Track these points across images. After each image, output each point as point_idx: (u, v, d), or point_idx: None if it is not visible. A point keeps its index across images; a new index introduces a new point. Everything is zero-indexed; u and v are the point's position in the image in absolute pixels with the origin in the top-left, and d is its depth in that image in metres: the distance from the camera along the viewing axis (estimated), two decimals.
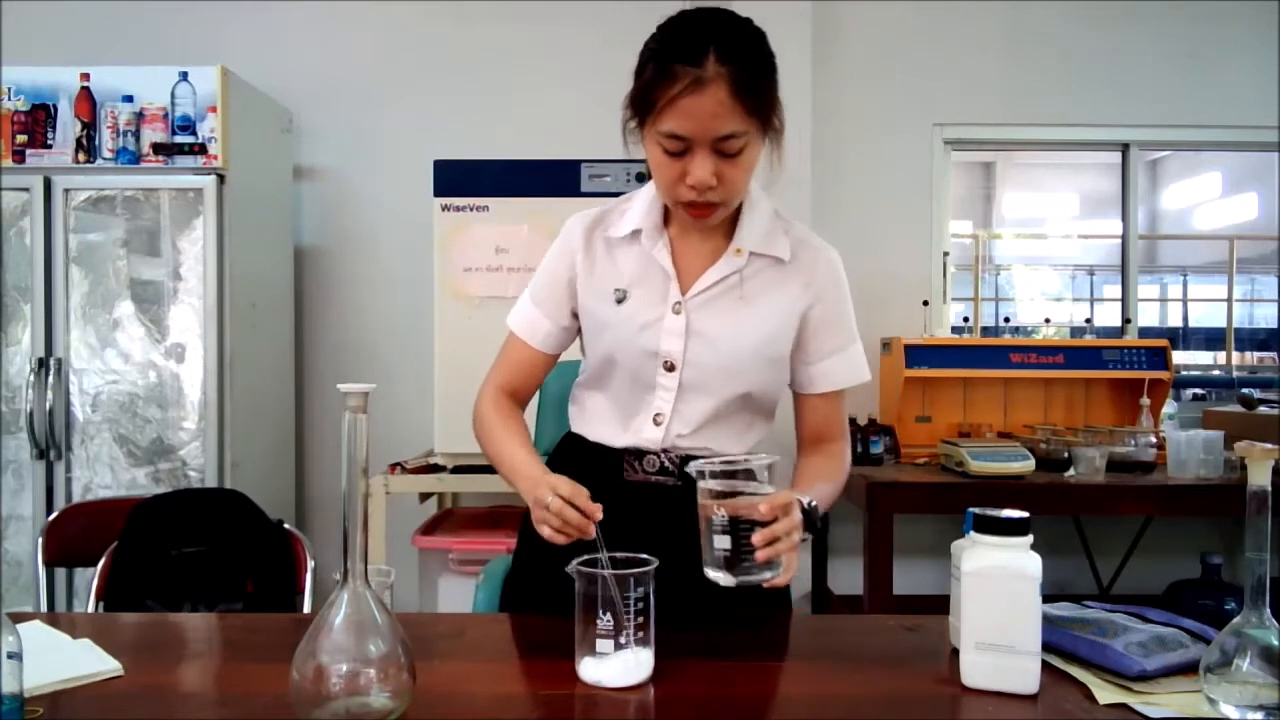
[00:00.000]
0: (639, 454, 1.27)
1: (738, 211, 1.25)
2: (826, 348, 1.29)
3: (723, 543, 1.02)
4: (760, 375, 1.25)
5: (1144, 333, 3.62)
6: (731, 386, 1.24)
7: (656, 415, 1.25)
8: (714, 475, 1.04)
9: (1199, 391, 4.31)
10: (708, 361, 1.23)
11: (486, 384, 1.33)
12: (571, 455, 1.33)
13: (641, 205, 1.27)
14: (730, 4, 1.21)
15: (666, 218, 1.27)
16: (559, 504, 1.07)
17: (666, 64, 1.09)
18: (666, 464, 1.26)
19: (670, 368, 1.23)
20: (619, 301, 1.25)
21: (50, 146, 2.80)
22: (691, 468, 1.05)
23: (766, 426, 1.34)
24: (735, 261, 1.24)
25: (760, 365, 1.24)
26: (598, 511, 1.07)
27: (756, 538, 1.00)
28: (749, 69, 1.10)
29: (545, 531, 1.09)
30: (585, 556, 1.01)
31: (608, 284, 1.27)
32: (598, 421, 1.31)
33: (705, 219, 1.19)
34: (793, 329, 1.26)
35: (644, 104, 1.13)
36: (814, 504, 1.13)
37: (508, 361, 1.34)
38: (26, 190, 2.78)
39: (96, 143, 2.80)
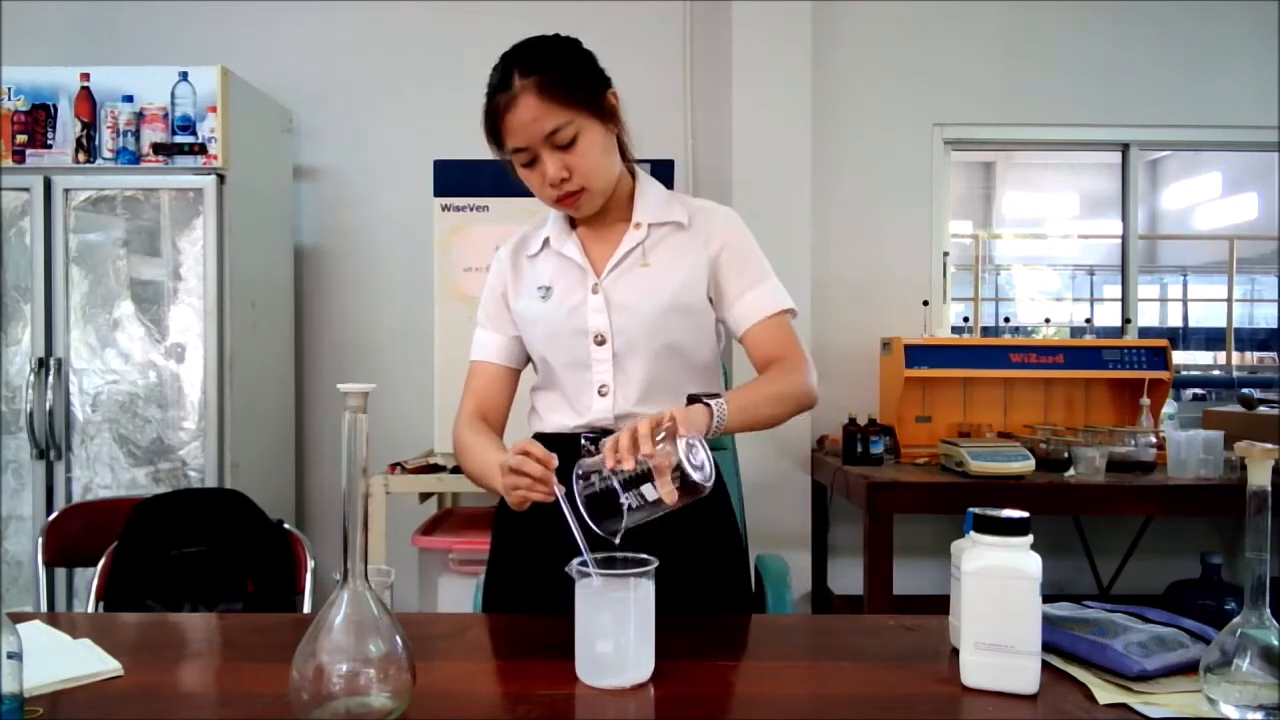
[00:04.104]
0: (594, 435, 1.30)
1: (634, 196, 1.40)
2: (743, 284, 1.38)
3: (632, 499, 1.03)
4: (679, 325, 1.35)
5: (1144, 333, 3.61)
6: (656, 339, 1.34)
7: (601, 386, 1.35)
8: (586, 479, 1.06)
9: (1199, 391, 4.30)
10: (631, 326, 1.34)
11: (459, 415, 1.43)
12: None
13: (549, 220, 1.44)
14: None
15: (574, 222, 1.41)
16: (518, 459, 1.12)
17: (490, 97, 1.29)
18: None
19: (601, 341, 1.35)
20: (544, 297, 1.38)
21: (50, 146, 2.80)
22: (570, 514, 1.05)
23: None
24: (636, 235, 1.38)
25: (677, 316, 1.35)
26: (552, 459, 1.11)
27: (609, 461, 1.04)
28: (551, 72, 1.26)
29: (519, 495, 1.13)
30: (584, 557, 1.01)
31: (532, 286, 1.41)
32: (551, 414, 1.41)
33: (577, 205, 1.33)
34: (702, 278, 1.37)
35: (491, 135, 1.32)
36: (697, 394, 1.21)
37: (472, 387, 1.46)
38: (26, 190, 2.78)
39: (96, 143, 2.80)
